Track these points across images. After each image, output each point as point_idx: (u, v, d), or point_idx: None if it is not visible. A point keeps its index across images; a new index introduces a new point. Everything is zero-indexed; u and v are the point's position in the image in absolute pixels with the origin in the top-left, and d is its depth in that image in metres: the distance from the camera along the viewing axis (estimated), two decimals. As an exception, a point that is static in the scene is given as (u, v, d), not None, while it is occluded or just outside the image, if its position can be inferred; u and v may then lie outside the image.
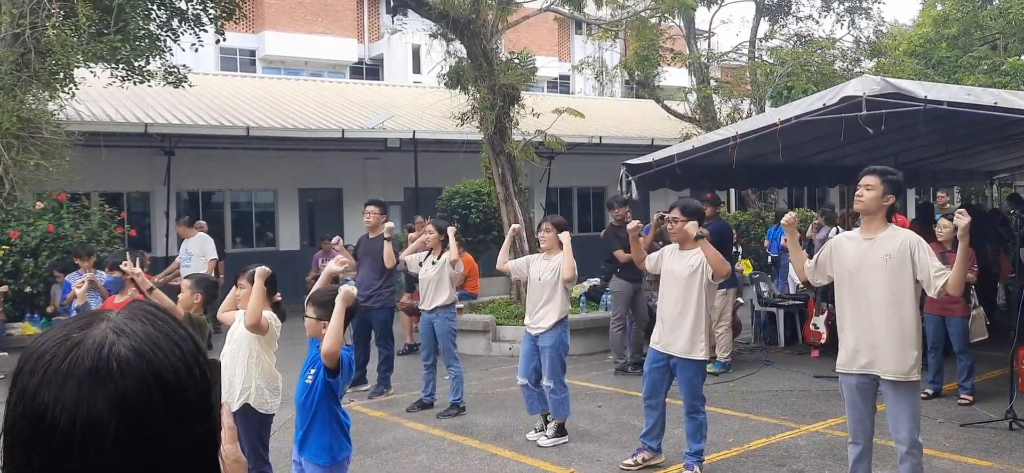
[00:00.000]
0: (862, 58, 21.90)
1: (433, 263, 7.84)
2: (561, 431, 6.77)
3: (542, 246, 7.02)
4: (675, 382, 5.89)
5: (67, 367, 0.95)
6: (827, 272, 4.77)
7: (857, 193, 4.58)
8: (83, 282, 9.32)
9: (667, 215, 5.97)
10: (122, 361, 0.96)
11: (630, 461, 6.02)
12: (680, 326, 5.67)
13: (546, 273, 6.79)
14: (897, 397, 4.51)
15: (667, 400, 6.02)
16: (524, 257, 7.44)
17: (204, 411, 1.03)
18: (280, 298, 4.93)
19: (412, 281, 10.33)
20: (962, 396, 7.52)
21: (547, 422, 6.87)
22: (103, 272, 9.75)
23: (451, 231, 7.86)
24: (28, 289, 10.92)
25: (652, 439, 6.02)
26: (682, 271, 5.72)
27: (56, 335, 1.00)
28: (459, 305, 11.10)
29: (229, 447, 1.27)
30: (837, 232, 10.65)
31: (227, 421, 1.30)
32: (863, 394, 4.61)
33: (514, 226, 7.28)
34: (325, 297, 4.22)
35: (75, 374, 0.95)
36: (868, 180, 4.53)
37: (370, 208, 8.69)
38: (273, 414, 4.92)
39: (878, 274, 4.46)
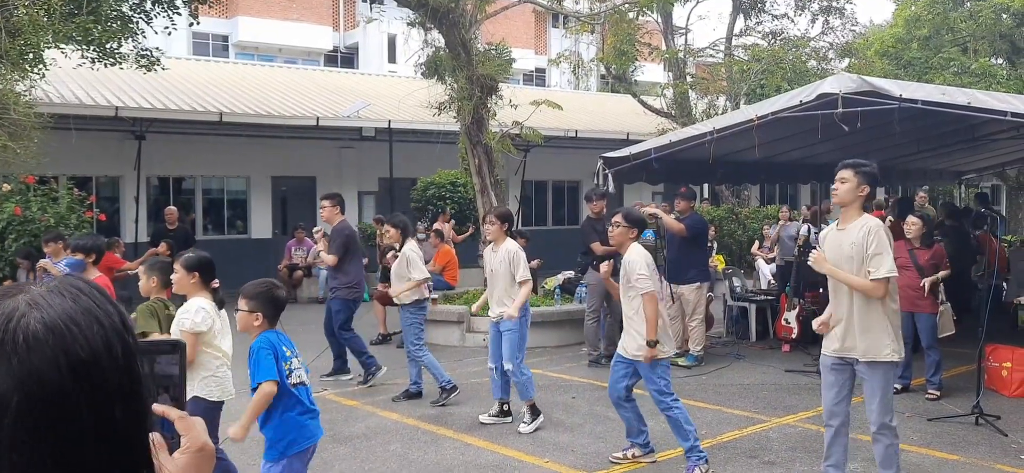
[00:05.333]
0: (834, 57, 22.10)
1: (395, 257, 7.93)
2: (536, 412, 6.86)
3: (487, 238, 7.18)
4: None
5: None
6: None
7: (833, 187, 4.80)
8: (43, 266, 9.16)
9: (612, 220, 5.96)
10: (29, 335, 0.92)
11: (619, 455, 6.02)
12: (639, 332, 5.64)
13: (497, 264, 6.92)
14: (870, 378, 4.69)
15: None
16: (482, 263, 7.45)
17: (125, 393, 0.98)
18: (218, 285, 4.84)
19: (386, 272, 10.32)
20: (929, 391, 7.63)
21: (504, 411, 7.04)
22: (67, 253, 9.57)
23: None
24: (-6, 273, 10.73)
25: (636, 436, 5.94)
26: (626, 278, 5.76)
27: None
28: (433, 295, 11.11)
29: (192, 434, 1.22)
30: (807, 227, 10.81)
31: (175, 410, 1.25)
32: (838, 376, 4.78)
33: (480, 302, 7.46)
34: (257, 289, 4.04)
35: None
36: (842, 173, 4.76)
37: (324, 202, 8.72)
38: (223, 402, 4.78)
39: (848, 262, 4.68)
